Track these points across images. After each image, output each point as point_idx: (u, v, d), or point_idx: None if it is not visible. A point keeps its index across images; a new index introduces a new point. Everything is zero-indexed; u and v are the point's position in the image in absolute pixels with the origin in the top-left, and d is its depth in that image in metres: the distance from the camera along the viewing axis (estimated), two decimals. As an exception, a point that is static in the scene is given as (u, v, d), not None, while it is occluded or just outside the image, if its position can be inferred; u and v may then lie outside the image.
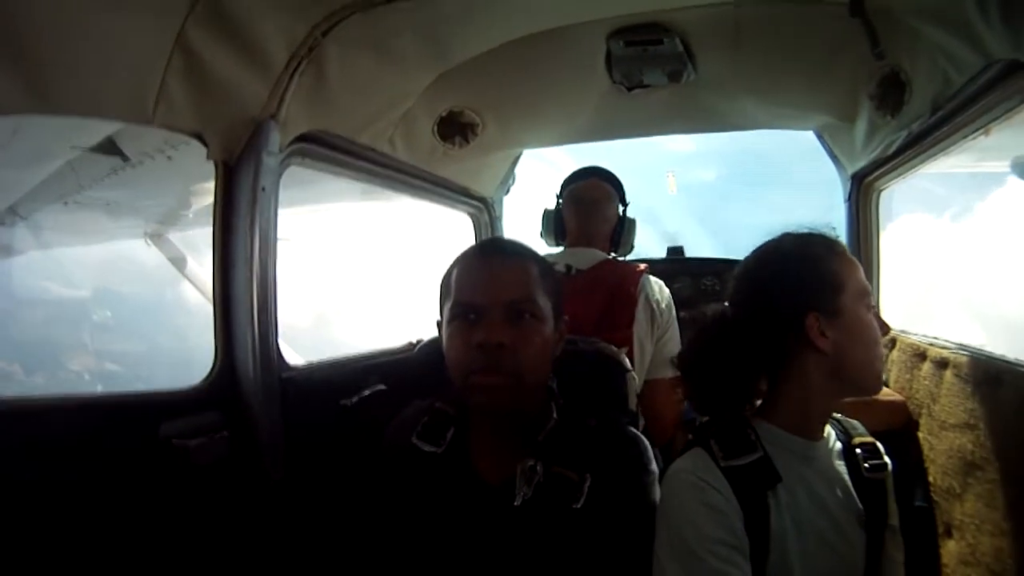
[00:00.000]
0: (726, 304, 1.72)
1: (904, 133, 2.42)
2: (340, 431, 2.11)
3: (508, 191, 4.06)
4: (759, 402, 1.65)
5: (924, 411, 2.18)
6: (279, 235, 1.99)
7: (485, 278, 1.58)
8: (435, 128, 2.94)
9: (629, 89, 2.83)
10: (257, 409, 1.91)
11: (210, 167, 1.93)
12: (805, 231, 1.64)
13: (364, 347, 2.59)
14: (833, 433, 1.66)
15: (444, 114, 2.93)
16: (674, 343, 2.65)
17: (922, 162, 2.57)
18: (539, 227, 3.07)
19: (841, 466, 1.62)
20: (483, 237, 3.85)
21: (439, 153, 3.05)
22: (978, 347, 2.04)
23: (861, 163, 2.98)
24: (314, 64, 1.95)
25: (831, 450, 1.63)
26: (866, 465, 1.62)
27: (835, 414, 1.70)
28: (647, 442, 1.68)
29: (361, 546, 1.74)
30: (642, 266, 2.72)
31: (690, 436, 1.66)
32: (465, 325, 1.55)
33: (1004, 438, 1.73)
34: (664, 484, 1.55)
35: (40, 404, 1.58)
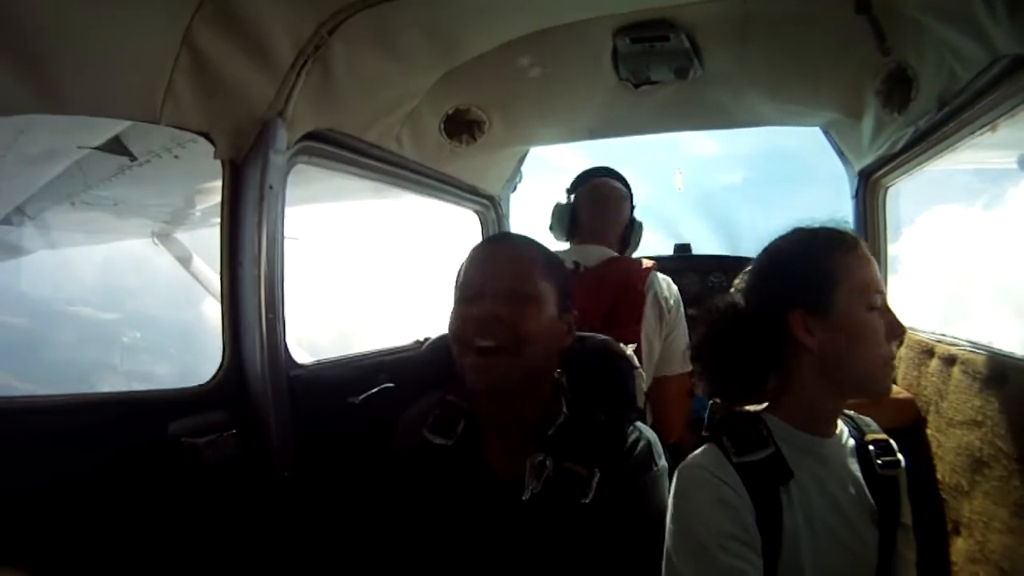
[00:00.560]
0: (737, 294, 1.73)
1: (911, 129, 2.42)
2: (348, 429, 2.11)
3: (515, 189, 4.06)
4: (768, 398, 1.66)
5: (932, 408, 2.18)
6: (286, 233, 2.00)
7: (488, 264, 1.63)
8: (442, 126, 2.95)
9: (636, 86, 2.83)
10: (265, 407, 1.92)
11: (217, 166, 1.94)
12: (817, 226, 1.64)
13: (372, 345, 2.60)
14: (846, 430, 1.65)
15: (451, 112, 2.94)
16: (682, 340, 2.64)
17: (929, 158, 2.56)
18: (549, 221, 3.04)
19: (854, 463, 1.61)
20: (490, 235, 3.84)
21: (446, 151, 3.05)
22: (986, 343, 2.03)
23: (868, 160, 2.97)
24: (321, 62, 1.95)
25: (844, 447, 1.63)
26: (879, 462, 1.61)
27: (848, 411, 1.70)
28: (655, 436, 1.69)
29: (371, 541, 1.75)
30: (650, 263, 2.71)
31: (704, 433, 1.66)
32: (466, 305, 1.60)
33: (1012, 435, 1.73)
34: (676, 480, 1.55)
35: (49, 402, 1.59)
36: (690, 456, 1.59)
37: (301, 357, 2.10)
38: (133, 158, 3.07)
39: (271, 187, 1.90)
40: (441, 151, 3.04)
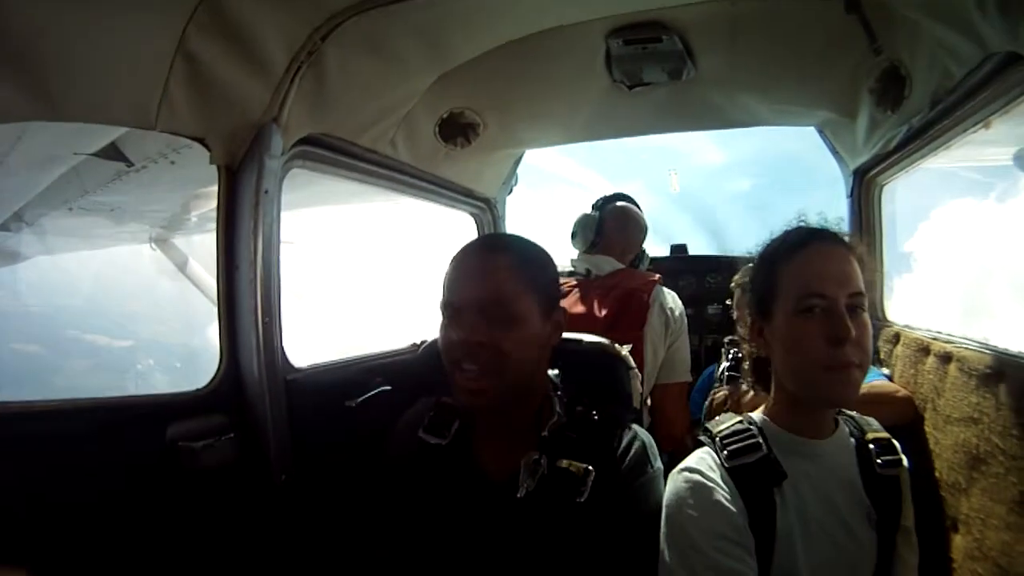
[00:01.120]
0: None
1: (905, 128, 2.42)
2: (345, 432, 2.12)
3: (511, 191, 4.06)
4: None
5: (929, 406, 2.18)
6: (282, 238, 2.00)
7: (462, 278, 1.62)
8: (436, 129, 2.95)
9: (630, 88, 2.83)
10: (262, 411, 1.92)
11: (213, 171, 1.94)
12: (790, 229, 1.65)
13: (368, 348, 2.60)
14: (847, 430, 1.66)
15: (445, 115, 2.94)
16: (684, 351, 2.78)
17: (923, 156, 2.57)
18: (571, 229, 3.18)
19: (852, 464, 1.61)
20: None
21: (441, 154, 3.06)
22: (981, 340, 2.04)
23: (862, 158, 2.98)
24: (315, 67, 1.95)
25: (842, 448, 1.63)
26: (879, 462, 1.61)
27: (849, 411, 1.70)
28: (650, 438, 1.69)
29: (368, 542, 1.75)
30: (656, 276, 2.79)
31: (700, 436, 1.67)
32: (447, 323, 1.61)
33: (1009, 431, 1.73)
34: (670, 482, 1.56)
35: (47, 407, 1.59)
36: (684, 460, 1.60)
37: (297, 360, 2.10)
38: (130, 164, 3.07)
39: (267, 192, 1.91)
40: (436, 154, 3.04)
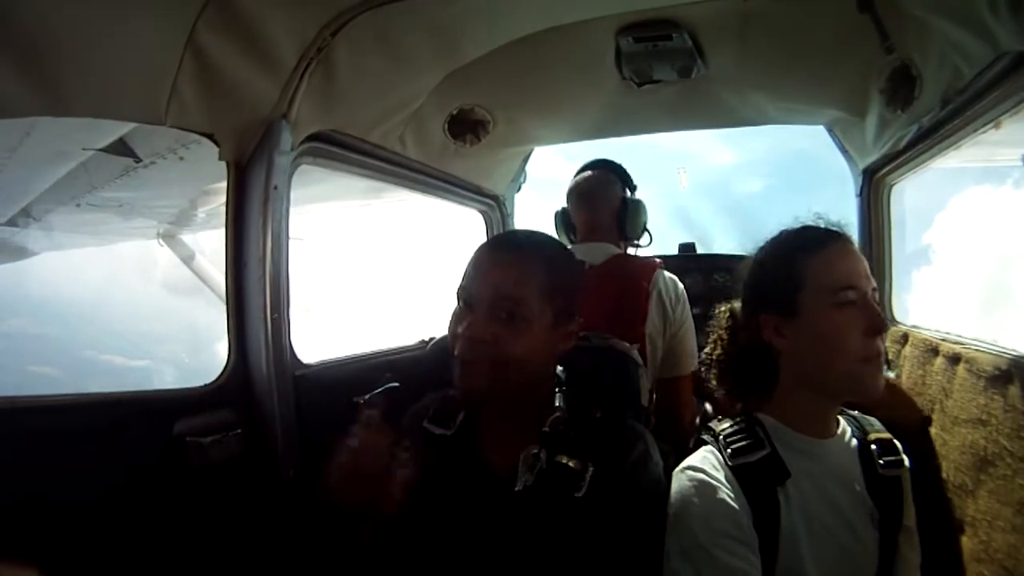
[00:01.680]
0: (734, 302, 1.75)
1: (915, 127, 2.41)
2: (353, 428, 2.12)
3: (519, 188, 4.05)
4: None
5: (937, 407, 2.17)
6: (291, 234, 2.00)
7: (483, 271, 1.62)
8: (446, 126, 2.95)
9: (639, 85, 2.82)
10: (270, 407, 1.92)
11: (222, 167, 1.95)
12: (801, 226, 1.65)
13: (377, 345, 2.61)
14: (849, 430, 1.66)
15: (454, 112, 2.94)
16: (688, 341, 2.68)
17: (933, 156, 2.55)
18: (553, 229, 3.07)
19: (855, 464, 1.61)
20: (496, 234, 3.85)
21: (450, 151, 3.06)
22: (991, 341, 2.03)
23: (872, 158, 2.96)
24: (324, 64, 1.96)
25: (845, 447, 1.63)
26: (881, 462, 1.61)
27: (851, 411, 1.70)
28: (651, 436, 1.70)
29: (374, 539, 1.75)
30: (656, 261, 2.73)
31: (702, 436, 1.67)
32: (459, 312, 1.62)
33: (1017, 433, 1.72)
34: (674, 481, 1.56)
35: (55, 401, 1.59)
36: (688, 458, 1.60)
37: (305, 356, 2.11)
38: (138, 160, 3.08)
39: (276, 188, 1.91)
40: (445, 151, 3.04)
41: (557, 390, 1.71)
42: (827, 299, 1.50)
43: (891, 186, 3.03)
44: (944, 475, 2.04)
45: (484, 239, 2.00)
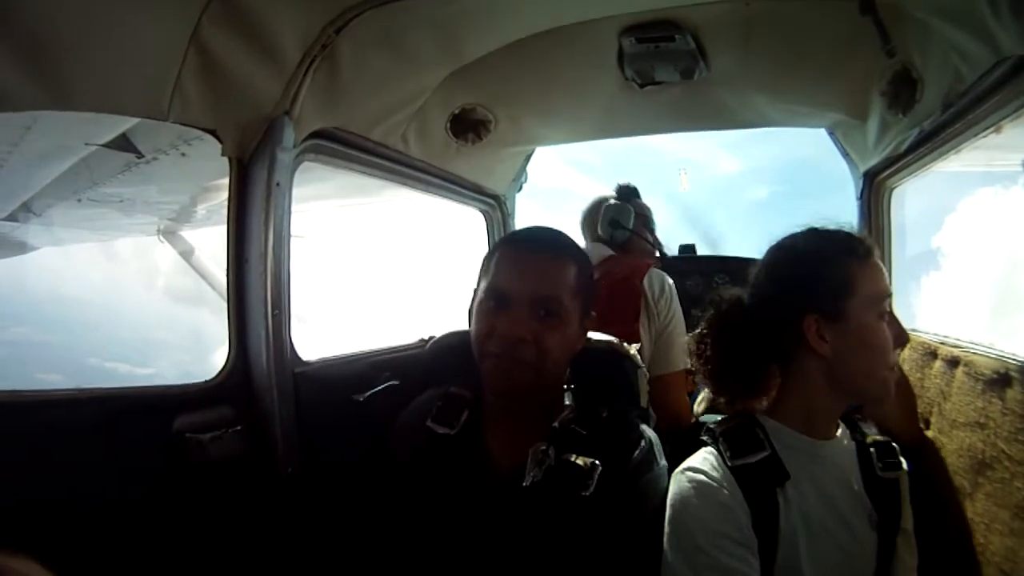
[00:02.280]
0: (742, 291, 1.74)
1: (916, 131, 2.41)
2: (353, 426, 2.12)
3: (520, 188, 4.05)
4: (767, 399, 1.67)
5: (935, 410, 2.17)
6: (292, 232, 2.00)
7: (521, 269, 1.63)
8: (448, 125, 2.96)
9: (641, 86, 2.82)
10: (270, 404, 1.92)
11: (224, 163, 1.95)
12: (833, 227, 1.64)
13: (377, 343, 2.61)
14: (847, 433, 1.66)
15: (457, 111, 2.94)
16: (678, 337, 2.70)
17: (934, 160, 2.55)
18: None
19: (854, 466, 1.62)
20: (495, 235, 3.87)
21: (452, 150, 3.07)
22: (988, 345, 2.03)
23: (873, 161, 2.96)
24: (328, 61, 1.96)
25: (844, 450, 1.63)
26: (879, 465, 1.62)
27: (851, 415, 1.71)
28: (656, 437, 1.70)
29: (374, 531, 1.76)
30: (649, 261, 2.76)
31: (702, 437, 1.67)
32: (494, 309, 1.62)
33: (1015, 437, 1.72)
34: (673, 482, 1.56)
35: (56, 396, 1.59)
36: (687, 459, 1.60)
37: (306, 354, 2.11)
38: (140, 155, 3.07)
39: (278, 184, 1.91)
40: (447, 150, 3.05)
41: (566, 388, 1.72)
42: (874, 308, 1.54)
43: (892, 189, 3.03)
44: (942, 478, 2.05)
45: (485, 239, 2.01)
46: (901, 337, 1.57)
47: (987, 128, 2.07)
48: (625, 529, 1.54)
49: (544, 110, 3.17)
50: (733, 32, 2.51)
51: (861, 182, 3.12)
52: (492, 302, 1.63)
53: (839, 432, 1.65)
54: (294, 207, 2.01)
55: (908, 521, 1.66)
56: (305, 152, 2.11)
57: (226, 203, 1.97)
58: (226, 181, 1.97)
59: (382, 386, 2.27)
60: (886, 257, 3.01)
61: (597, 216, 3.08)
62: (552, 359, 1.60)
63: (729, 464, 1.54)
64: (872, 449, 1.65)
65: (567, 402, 1.70)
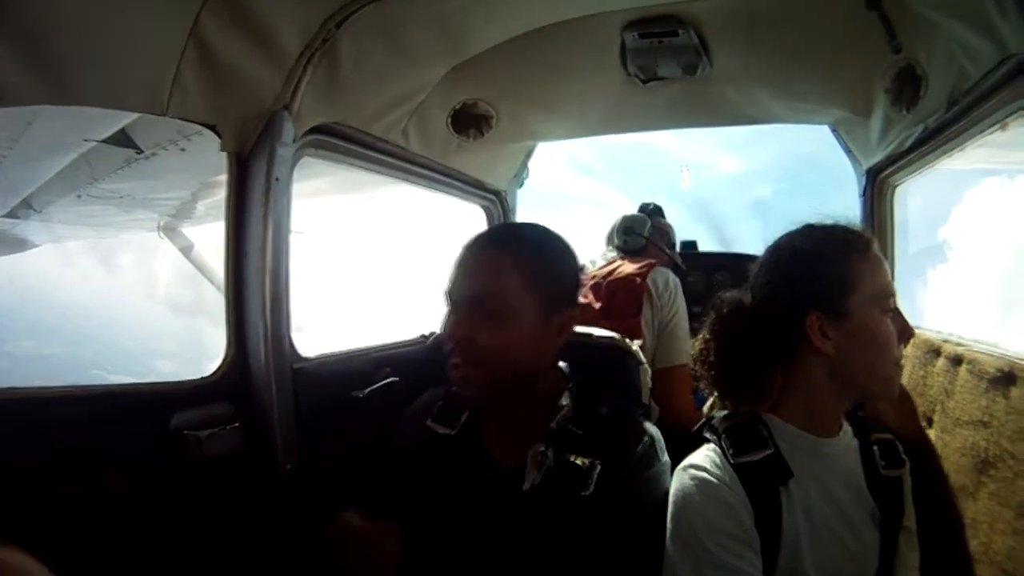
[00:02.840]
0: (742, 291, 1.73)
1: (920, 128, 2.40)
2: (352, 423, 2.12)
3: (522, 184, 4.05)
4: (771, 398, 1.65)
5: (938, 408, 2.16)
6: (292, 227, 1.99)
7: (464, 271, 1.64)
8: (449, 120, 2.95)
9: (644, 82, 2.81)
10: (268, 400, 1.92)
11: (223, 159, 1.94)
12: (831, 224, 1.63)
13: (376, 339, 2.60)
14: (850, 430, 1.65)
15: (458, 106, 2.93)
16: (681, 331, 2.72)
17: (938, 157, 2.54)
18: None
19: (857, 464, 1.61)
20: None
21: (453, 145, 3.06)
22: (992, 343, 2.02)
23: (876, 158, 2.95)
24: (328, 56, 1.95)
25: (847, 447, 1.63)
26: (882, 462, 1.61)
27: (855, 412, 1.70)
28: (658, 433, 1.69)
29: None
30: (653, 260, 2.78)
31: (705, 434, 1.66)
32: (448, 314, 1.66)
33: (1018, 436, 1.72)
34: (675, 479, 1.56)
35: (53, 393, 1.59)
36: (690, 456, 1.59)
37: (304, 350, 2.10)
38: (139, 151, 3.08)
39: (277, 180, 1.91)
40: (448, 145, 3.04)
41: (564, 388, 1.70)
42: (877, 305, 1.53)
43: (895, 187, 3.02)
44: (945, 476, 2.04)
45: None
46: (905, 332, 1.56)
47: (992, 125, 2.06)
48: (626, 527, 1.54)
49: (546, 105, 3.15)
50: (736, 27, 2.50)
51: (864, 179, 3.11)
52: (447, 308, 1.66)
53: (842, 430, 1.64)
54: (294, 203, 2.00)
55: (911, 519, 1.65)
56: (305, 147, 2.10)
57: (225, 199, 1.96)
58: (225, 177, 1.96)
59: (382, 382, 2.27)
60: (889, 254, 3.00)
61: (617, 227, 3.23)
62: (504, 358, 1.57)
63: (732, 461, 1.53)
64: (875, 447, 1.64)
65: (564, 402, 1.67)
